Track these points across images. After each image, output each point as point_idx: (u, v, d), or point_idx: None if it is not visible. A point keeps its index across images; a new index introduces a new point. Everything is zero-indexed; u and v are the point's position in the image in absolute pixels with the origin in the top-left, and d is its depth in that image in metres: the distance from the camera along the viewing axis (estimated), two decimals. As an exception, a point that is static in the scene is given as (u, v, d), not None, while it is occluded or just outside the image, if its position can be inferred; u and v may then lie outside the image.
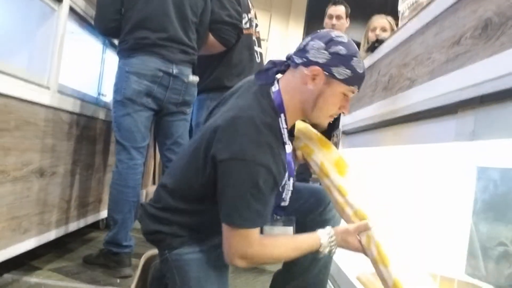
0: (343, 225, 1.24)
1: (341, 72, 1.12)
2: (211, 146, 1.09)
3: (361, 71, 1.15)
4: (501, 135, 0.88)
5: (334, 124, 2.54)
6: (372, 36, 3.12)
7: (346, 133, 1.96)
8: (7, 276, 1.89)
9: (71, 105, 2.14)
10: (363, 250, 1.15)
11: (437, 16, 1.17)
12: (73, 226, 2.35)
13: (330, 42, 1.13)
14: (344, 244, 1.17)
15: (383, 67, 1.57)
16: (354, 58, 1.13)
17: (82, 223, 2.48)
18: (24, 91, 1.73)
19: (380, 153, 1.68)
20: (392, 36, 1.51)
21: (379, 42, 1.64)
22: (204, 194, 1.16)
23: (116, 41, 2.32)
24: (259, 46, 2.62)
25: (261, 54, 2.60)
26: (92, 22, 2.23)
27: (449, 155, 1.59)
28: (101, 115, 2.52)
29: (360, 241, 1.15)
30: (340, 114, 2.13)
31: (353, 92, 1.18)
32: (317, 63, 1.12)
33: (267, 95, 1.17)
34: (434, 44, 1.18)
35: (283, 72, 1.23)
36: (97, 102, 2.50)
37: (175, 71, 2.10)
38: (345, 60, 1.12)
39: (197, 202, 1.19)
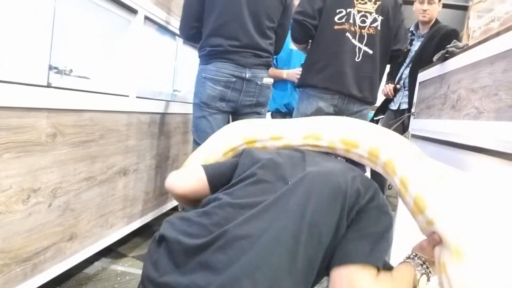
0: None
1: None
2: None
3: None
4: None
5: (403, 126, 2.49)
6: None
7: (414, 136, 1.91)
8: (97, 264, 2.15)
9: (148, 106, 2.29)
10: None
11: (507, 51, 1.10)
12: (153, 214, 2.57)
13: None
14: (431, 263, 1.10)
15: (453, 83, 1.50)
16: None
17: (162, 209, 2.69)
18: (107, 104, 1.89)
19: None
20: (462, 52, 1.44)
21: (449, 53, 1.57)
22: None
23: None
24: (368, 43, 2.27)
25: (365, 51, 2.28)
26: (166, 26, 2.34)
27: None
28: (176, 109, 2.66)
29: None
30: (410, 117, 2.09)
31: None
32: None
33: None
34: (502, 81, 1.11)
35: None
36: (172, 99, 2.64)
37: (248, 75, 2.18)
38: None
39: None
